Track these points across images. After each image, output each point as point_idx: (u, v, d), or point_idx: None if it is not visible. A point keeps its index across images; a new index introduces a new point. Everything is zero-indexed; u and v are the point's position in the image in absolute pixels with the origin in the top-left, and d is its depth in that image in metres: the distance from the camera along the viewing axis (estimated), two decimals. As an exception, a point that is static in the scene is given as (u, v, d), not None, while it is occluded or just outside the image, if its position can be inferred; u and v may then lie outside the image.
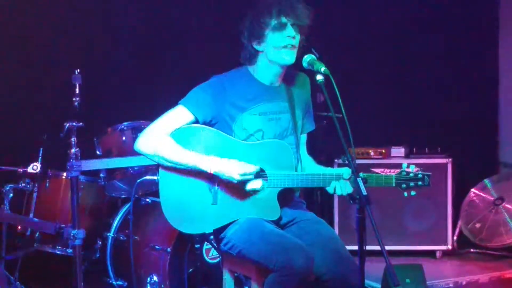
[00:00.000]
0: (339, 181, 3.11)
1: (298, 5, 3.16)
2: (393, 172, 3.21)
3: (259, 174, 3.17)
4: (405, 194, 3.20)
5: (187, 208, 3.19)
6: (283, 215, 3.26)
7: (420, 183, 3.18)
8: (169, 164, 3.16)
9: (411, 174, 3.18)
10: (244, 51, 3.27)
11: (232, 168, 3.09)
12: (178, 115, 3.21)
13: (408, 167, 3.20)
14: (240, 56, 3.29)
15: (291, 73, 3.34)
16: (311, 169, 3.37)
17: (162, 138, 3.17)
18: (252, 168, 3.12)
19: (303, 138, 3.47)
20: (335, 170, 3.20)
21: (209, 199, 3.18)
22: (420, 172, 3.19)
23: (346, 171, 3.10)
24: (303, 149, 3.47)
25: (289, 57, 3.18)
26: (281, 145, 3.23)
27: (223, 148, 3.20)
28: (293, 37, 3.15)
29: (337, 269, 3.03)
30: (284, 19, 3.13)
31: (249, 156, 3.19)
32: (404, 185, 3.18)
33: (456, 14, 6.05)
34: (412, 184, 3.18)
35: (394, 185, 3.18)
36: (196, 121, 3.22)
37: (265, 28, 3.15)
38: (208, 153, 3.16)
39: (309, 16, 3.17)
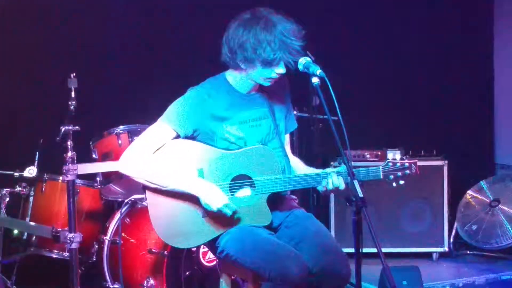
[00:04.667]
0: (328, 176, 3.11)
1: (297, 42, 3.06)
2: (379, 165, 3.21)
3: (246, 183, 3.17)
4: (394, 184, 3.21)
5: (178, 225, 3.16)
6: (274, 218, 3.24)
7: (407, 172, 3.19)
8: (154, 187, 3.14)
9: (397, 165, 3.19)
10: (225, 56, 3.18)
11: (212, 201, 3.06)
12: (159, 133, 3.16)
13: (393, 157, 3.22)
14: (220, 57, 3.21)
15: None
16: (298, 170, 3.35)
17: (145, 160, 3.13)
18: (232, 207, 3.09)
19: (286, 138, 3.46)
20: (324, 170, 3.20)
21: (199, 213, 3.16)
22: (406, 160, 3.20)
23: (340, 169, 3.12)
24: (287, 149, 3.45)
25: (269, 84, 3.19)
26: (264, 150, 3.21)
27: (208, 159, 3.17)
28: (281, 74, 3.12)
29: (324, 260, 3.03)
30: (278, 56, 3.04)
31: (234, 165, 3.18)
32: (391, 176, 3.20)
33: (451, 18, 6.07)
34: (399, 174, 3.19)
35: (381, 177, 3.19)
36: (178, 136, 3.19)
37: (257, 58, 3.06)
38: (193, 167, 3.15)
39: (301, 52, 3.09)
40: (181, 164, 3.16)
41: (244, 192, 3.17)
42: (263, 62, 3.07)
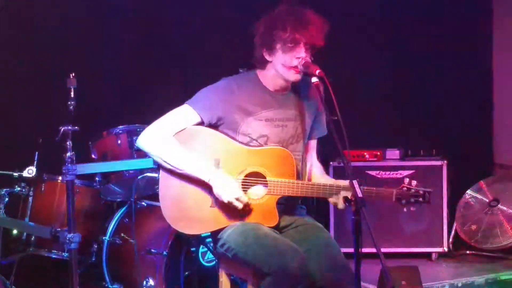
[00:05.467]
0: (340, 194, 3.11)
1: (313, 23, 3.09)
2: (395, 188, 3.20)
3: (259, 181, 3.17)
4: (404, 209, 3.22)
5: (185, 208, 3.19)
6: (281, 221, 3.25)
7: (420, 199, 3.20)
8: (169, 167, 3.15)
9: (412, 190, 3.19)
10: (255, 54, 3.24)
11: (225, 191, 3.08)
12: (184, 116, 3.19)
13: (409, 182, 3.20)
14: (252, 57, 3.26)
15: (301, 79, 3.23)
16: (316, 178, 3.36)
17: (165, 139, 3.16)
18: (244, 200, 3.10)
19: (312, 143, 3.46)
20: (341, 182, 3.18)
21: (207, 202, 3.18)
22: (421, 188, 3.20)
23: None
24: (312, 154, 3.46)
25: (296, 77, 3.17)
26: (283, 152, 3.21)
27: (226, 151, 3.19)
28: (303, 59, 3.09)
29: (331, 276, 3.03)
30: (297, 36, 3.07)
31: (250, 161, 3.18)
32: (404, 201, 3.19)
33: (451, 18, 6.06)
34: (412, 200, 3.19)
35: (393, 199, 3.19)
36: (202, 122, 3.21)
37: (277, 42, 3.11)
38: (211, 156, 3.16)
39: (323, 37, 3.12)
40: (199, 150, 3.17)
41: (257, 190, 3.16)
42: (280, 41, 3.09)
